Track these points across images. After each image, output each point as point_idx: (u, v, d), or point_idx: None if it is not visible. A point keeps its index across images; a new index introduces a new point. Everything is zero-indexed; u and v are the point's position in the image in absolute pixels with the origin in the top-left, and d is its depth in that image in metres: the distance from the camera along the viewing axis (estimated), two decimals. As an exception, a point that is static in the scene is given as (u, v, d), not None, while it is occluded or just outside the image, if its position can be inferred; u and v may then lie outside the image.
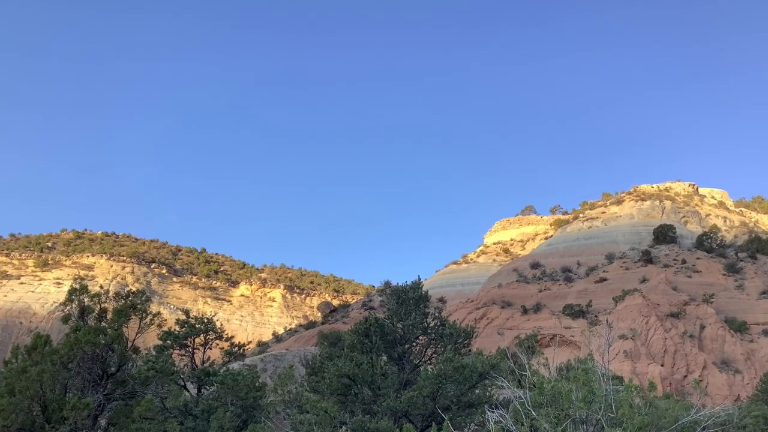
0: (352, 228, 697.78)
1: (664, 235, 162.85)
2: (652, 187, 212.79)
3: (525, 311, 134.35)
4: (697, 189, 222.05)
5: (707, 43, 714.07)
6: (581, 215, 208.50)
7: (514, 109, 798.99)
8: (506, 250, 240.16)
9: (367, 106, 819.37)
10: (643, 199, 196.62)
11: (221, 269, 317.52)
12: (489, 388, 33.00)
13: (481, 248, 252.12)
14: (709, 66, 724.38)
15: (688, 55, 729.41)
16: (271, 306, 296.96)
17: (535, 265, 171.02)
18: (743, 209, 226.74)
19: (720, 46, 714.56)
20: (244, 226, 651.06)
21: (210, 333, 40.92)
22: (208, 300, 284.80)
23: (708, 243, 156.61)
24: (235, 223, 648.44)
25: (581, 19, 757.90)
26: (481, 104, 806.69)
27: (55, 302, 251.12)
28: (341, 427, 30.12)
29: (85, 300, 35.53)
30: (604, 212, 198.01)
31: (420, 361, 35.84)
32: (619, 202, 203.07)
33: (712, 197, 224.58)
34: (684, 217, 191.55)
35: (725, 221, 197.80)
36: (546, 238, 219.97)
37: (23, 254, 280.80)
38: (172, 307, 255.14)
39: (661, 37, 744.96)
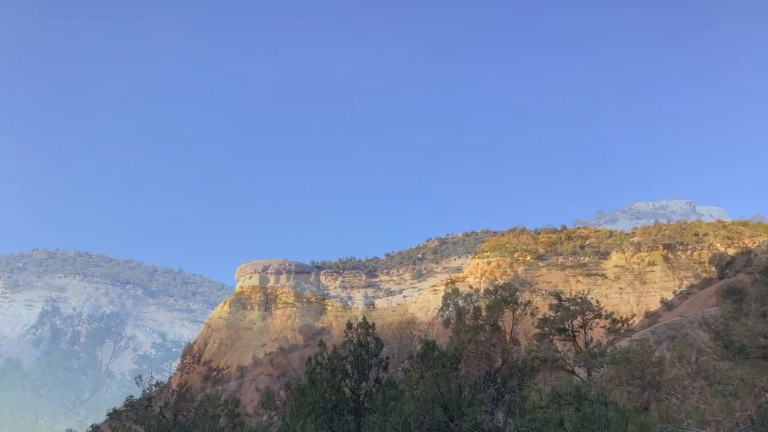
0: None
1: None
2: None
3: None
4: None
5: (705, 58, 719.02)
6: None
7: (503, 124, 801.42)
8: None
9: (350, 121, 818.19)
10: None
11: (587, 243, 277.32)
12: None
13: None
14: (708, 80, 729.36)
15: (685, 70, 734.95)
16: (653, 271, 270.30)
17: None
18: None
19: (718, 60, 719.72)
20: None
21: (587, 313, 46.01)
22: (580, 277, 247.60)
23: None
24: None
25: (574, 33, 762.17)
26: (468, 118, 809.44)
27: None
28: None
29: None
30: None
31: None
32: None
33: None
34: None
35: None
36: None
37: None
38: (543, 292, 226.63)
39: (658, 52, 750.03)
